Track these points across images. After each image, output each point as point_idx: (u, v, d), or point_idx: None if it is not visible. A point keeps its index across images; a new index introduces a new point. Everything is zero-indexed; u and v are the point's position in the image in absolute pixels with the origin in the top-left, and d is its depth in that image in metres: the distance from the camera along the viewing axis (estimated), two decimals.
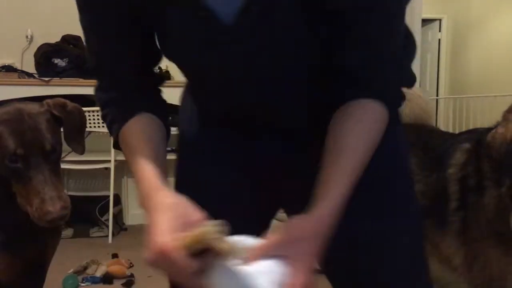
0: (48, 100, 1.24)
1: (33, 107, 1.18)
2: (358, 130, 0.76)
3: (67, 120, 1.25)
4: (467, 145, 1.38)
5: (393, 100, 0.82)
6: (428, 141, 1.56)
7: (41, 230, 1.22)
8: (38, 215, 1.10)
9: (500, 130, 1.24)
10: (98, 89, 0.89)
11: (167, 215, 0.66)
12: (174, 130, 0.94)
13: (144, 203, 0.72)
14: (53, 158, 1.17)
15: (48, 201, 1.09)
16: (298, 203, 0.77)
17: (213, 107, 0.93)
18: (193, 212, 0.67)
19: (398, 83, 0.84)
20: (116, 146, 0.87)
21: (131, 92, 0.87)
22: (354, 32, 0.76)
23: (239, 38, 0.76)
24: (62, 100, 1.27)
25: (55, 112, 1.21)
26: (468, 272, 1.24)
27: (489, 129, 1.33)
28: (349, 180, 0.73)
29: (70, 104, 1.27)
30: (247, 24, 0.75)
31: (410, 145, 1.57)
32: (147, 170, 0.76)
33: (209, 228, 0.61)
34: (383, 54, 0.78)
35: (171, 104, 0.94)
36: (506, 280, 1.10)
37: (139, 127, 0.84)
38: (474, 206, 1.21)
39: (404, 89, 0.86)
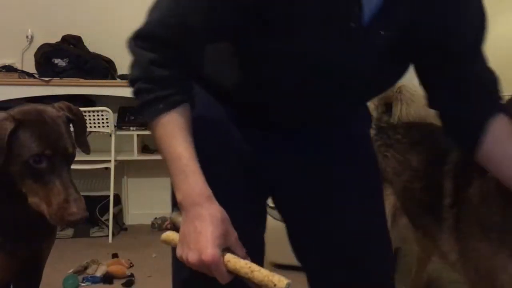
0: (60, 104, 1.26)
1: (52, 110, 1.21)
2: None
3: (76, 122, 1.28)
4: None
5: None
6: (432, 139, 1.56)
7: (36, 229, 1.24)
8: (61, 215, 1.11)
9: None
10: (152, 63, 0.84)
11: (219, 229, 0.78)
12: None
13: (190, 205, 0.81)
14: (72, 160, 1.20)
15: (73, 203, 1.11)
16: (287, 191, 1.05)
17: (269, 105, 0.99)
18: (232, 231, 0.80)
19: None
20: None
21: (189, 78, 0.90)
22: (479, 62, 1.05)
23: (365, 39, 0.85)
24: (67, 103, 1.30)
25: (69, 115, 1.25)
26: (463, 269, 1.24)
27: None
28: None
29: (73, 107, 1.30)
30: (375, 28, 0.84)
31: (415, 143, 1.59)
32: (199, 174, 0.82)
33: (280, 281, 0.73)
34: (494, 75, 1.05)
35: None
36: (497, 275, 1.10)
37: (188, 122, 0.86)
38: (465, 201, 1.22)
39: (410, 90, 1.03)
